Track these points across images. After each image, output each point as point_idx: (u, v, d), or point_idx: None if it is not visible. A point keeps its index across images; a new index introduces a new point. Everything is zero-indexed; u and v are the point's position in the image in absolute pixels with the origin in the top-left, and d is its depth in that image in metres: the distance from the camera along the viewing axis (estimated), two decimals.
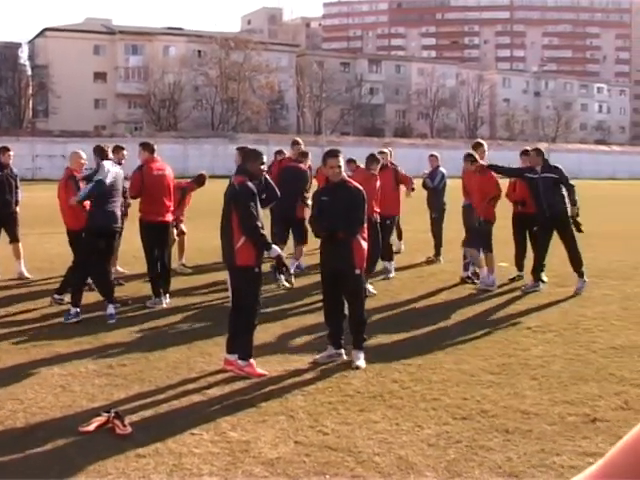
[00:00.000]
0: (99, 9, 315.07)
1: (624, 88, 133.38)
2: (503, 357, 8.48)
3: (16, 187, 13.68)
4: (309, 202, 11.14)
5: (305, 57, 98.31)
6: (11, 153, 13.71)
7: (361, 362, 8.08)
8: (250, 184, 7.81)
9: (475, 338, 9.39)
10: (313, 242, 11.36)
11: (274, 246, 8.00)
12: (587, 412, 6.57)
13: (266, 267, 10.22)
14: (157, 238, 11.29)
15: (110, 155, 11.23)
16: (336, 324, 8.33)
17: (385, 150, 14.42)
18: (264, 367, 7.90)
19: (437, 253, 15.78)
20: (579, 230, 12.41)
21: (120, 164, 12.89)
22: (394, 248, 14.72)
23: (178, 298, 11.65)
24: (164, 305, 11.25)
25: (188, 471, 5.35)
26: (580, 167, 78.69)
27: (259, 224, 7.72)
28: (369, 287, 12.17)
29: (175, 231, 13.58)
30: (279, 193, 8.65)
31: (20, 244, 13.65)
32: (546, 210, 12.26)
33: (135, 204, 12.07)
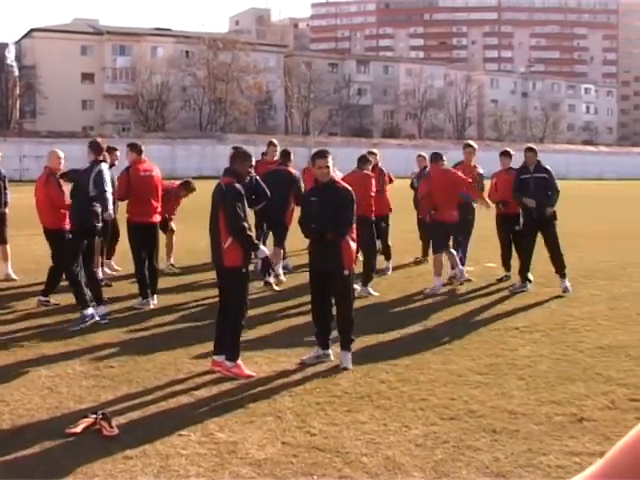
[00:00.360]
0: (86, 9, 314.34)
1: (611, 89, 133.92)
2: (491, 357, 8.50)
3: (4, 188, 13.62)
4: None
5: (293, 58, 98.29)
6: None
7: (349, 363, 8.08)
8: (238, 185, 7.81)
9: (463, 338, 9.41)
10: (301, 242, 11.36)
11: (262, 247, 8.00)
12: (574, 412, 6.59)
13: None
14: (145, 239, 11.25)
15: (104, 151, 11.02)
16: (324, 324, 8.33)
17: (375, 151, 14.46)
18: (252, 368, 7.89)
19: (425, 254, 15.80)
20: None
21: (113, 165, 12.92)
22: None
23: (166, 299, 11.63)
24: (151, 306, 11.23)
25: (175, 472, 5.34)
26: (568, 168, 78.89)
27: (246, 225, 7.72)
28: (370, 290, 12.22)
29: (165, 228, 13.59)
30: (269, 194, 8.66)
31: (8, 246, 13.60)
32: (534, 211, 12.30)
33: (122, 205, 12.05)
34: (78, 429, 6.08)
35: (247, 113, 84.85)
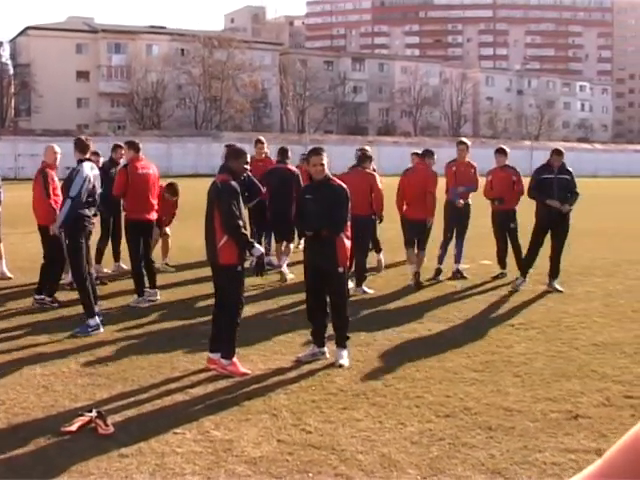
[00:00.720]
0: (81, 7, 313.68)
1: (606, 86, 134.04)
2: (486, 354, 8.50)
3: None
4: None
5: (288, 55, 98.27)
6: None
7: (344, 360, 8.08)
8: (233, 183, 7.80)
9: (458, 336, 9.41)
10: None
11: (256, 245, 7.99)
12: (569, 409, 6.60)
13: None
14: (142, 236, 11.36)
15: (92, 149, 10.90)
16: (319, 322, 8.33)
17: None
18: (247, 366, 7.89)
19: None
20: None
21: (118, 164, 12.96)
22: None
23: (161, 296, 11.61)
24: (158, 297, 11.44)
25: (171, 470, 5.34)
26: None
27: (241, 223, 7.71)
28: (365, 288, 12.22)
29: (158, 231, 13.57)
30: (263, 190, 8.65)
31: (2, 244, 13.58)
32: (553, 211, 12.23)
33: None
34: (73, 427, 6.07)
35: (242, 111, 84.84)
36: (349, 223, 8.34)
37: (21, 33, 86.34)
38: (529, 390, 7.18)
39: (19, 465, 5.46)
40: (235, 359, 7.78)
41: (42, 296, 11.15)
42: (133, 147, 11.64)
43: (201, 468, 5.37)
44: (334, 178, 8.49)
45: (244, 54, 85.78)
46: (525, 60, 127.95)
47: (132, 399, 6.95)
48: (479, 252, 15.94)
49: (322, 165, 8.21)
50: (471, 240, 14.54)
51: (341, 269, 8.17)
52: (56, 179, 11.44)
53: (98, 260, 13.67)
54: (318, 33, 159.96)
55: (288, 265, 13.80)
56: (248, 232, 8.06)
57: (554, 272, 12.43)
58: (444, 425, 6.22)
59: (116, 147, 13.65)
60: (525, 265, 12.69)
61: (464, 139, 14.90)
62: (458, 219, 13.62)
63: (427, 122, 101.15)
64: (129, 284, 11.96)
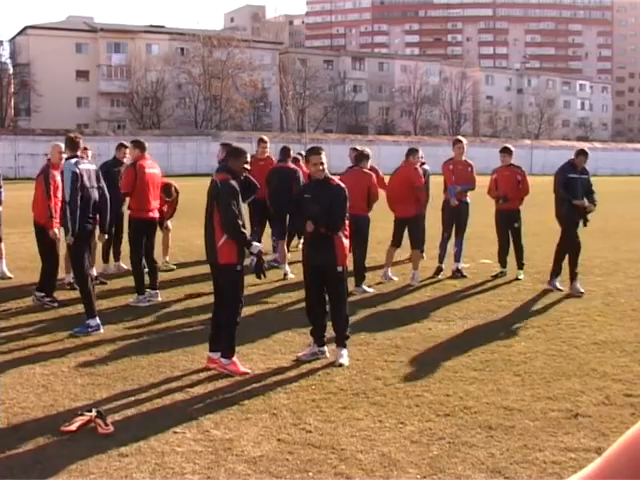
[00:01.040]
0: (81, 7, 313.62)
1: (606, 85, 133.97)
2: (486, 353, 8.50)
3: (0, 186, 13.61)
4: None
5: (288, 55, 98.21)
6: None
7: (344, 359, 8.08)
8: (233, 182, 7.79)
9: (458, 335, 9.42)
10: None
11: (254, 243, 7.98)
12: (569, 407, 6.60)
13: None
14: (145, 235, 11.47)
15: (82, 147, 10.80)
16: (319, 321, 8.34)
17: (358, 147, 14.52)
18: (247, 365, 7.89)
19: (420, 250, 15.77)
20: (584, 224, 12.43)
21: (121, 163, 12.98)
22: None
23: (161, 296, 11.61)
24: (159, 299, 11.44)
25: (171, 470, 5.33)
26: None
27: (240, 222, 7.70)
28: (365, 287, 12.22)
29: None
30: (258, 186, 8.63)
31: (2, 244, 13.58)
32: (575, 213, 12.19)
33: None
34: (73, 427, 6.07)
35: (242, 110, 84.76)
36: (347, 222, 8.35)
37: (20, 32, 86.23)
38: (529, 389, 7.18)
39: (19, 464, 5.46)
40: (235, 358, 7.78)
41: (42, 293, 11.18)
42: (139, 146, 11.71)
43: (201, 467, 5.37)
44: (333, 177, 8.49)
45: (244, 53, 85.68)
46: (525, 59, 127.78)
47: (132, 398, 6.95)
48: (479, 251, 15.94)
49: (322, 164, 8.21)
50: (470, 239, 14.56)
51: (340, 268, 8.18)
52: (58, 179, 11.41)
53: (105, 259, 13.70)
54: (318, 32, 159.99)
55: (289, 264, 13.80)
56: (247, 231, 8.04)
57: (575, 273, 12.32)
58: (444, 424, 6.22)
59: (120, 146, 13.66)
60: (572, 268, 12.35)
61: (460, 137, 14.89)
62: (457, 218, 13.62)
63: (427, 121, 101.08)
64: (129, 283, 11.96)
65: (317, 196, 8.17)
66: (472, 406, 6.66)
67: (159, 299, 11.45)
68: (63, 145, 11.62)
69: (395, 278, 13.15)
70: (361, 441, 5.85)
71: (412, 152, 13.33)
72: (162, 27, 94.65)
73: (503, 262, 13.66)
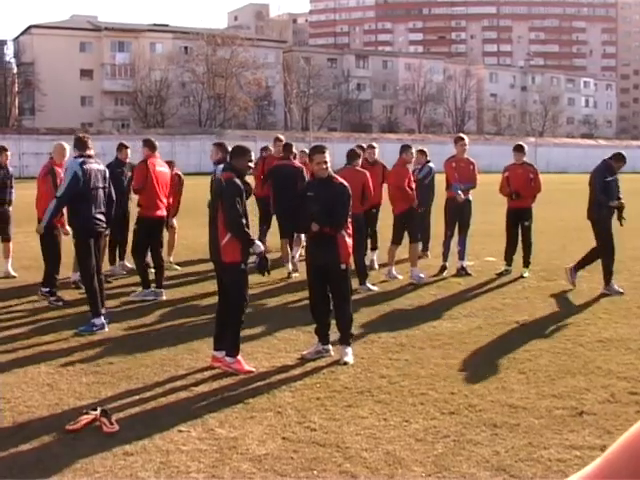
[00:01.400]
0: (85, 6, 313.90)
1: (610, 82, 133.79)
2: (491, 351, 8.50)
3: (11, 187, 13.65)
4: None
5: (292, 53, 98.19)
6: (8, 153, 13.70)
7: (349, 358, 8.08)
8: (237, 181, 7.80)
9: (462, 333, 9.41)
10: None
11: (257, 242, 7.98)
12: (574, 405, 6.59)
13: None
14: (153, 232, 11.62)
15: (90, 147, 10.84)
16: (323, 319, 8.34)
17: (375, 145, 14.50)
18: (252, 363, 7.89)
19: (425, 248, 15.78)
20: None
21: (124, 163, 13.01)
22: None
23: (166, 294, 11.62)
24: (163, 297, 11.45)
25: (176, 468, 5.34)
26: (567, 161, 78.88)
27: (243, 221, 7.71)
28: (369, 285, 12.20)
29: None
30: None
31: (11, 243, 13.62)
32: (611, 213, 12.16)
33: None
34: (78, 426, 6.08)
35: (246, 109, 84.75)
36: (350, 220, 8.36)
37: (24, 32, 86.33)
38: (534, 387, 7.17)
39: (24, 463, 5.46)
40: (239, 357, 7.78)
41: (48, 289, 11.24)
42: (149, 145, 11.92)
43: (206, 466, 5.37)
44: (336, 176, 8.49)
45: (248, 52, 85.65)
46: (529, 56, 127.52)
47: (137, 397, 6.96)
48: (483, 249, 15.93)
49: (326, 163, 8.22)
50: (475, 237, 14.55)
51: (343, 266, 8.19)
52: (62, 176, 11.49)
53: (112, 261, 13.71)
54: (321, 30, 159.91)
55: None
56: (251, 230, 8.04)
57: (610, 274, 12.17)
58: (449, 422, 6.21)
59: (121, 147, 13.64)
60: (608, 272, 12.19)
61: (462, 135, 14.87)
62: (459, 216, 13.60)
63: (431, 119, 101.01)
64: (133, 282, 11.99)
65: (320, 194, 8.17)
66: (477, 404, 6.66)
67: (164, 298, 11.46)
68: (66, 144, 11.71)
69: (399, 276, 13.14)
70: (366, 439, 5.85)
71: (405, 149, 13.23)
72: (166, 26, 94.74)
73: (509, 260, 13.65)
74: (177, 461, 5.45)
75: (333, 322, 8.38)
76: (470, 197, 13.69)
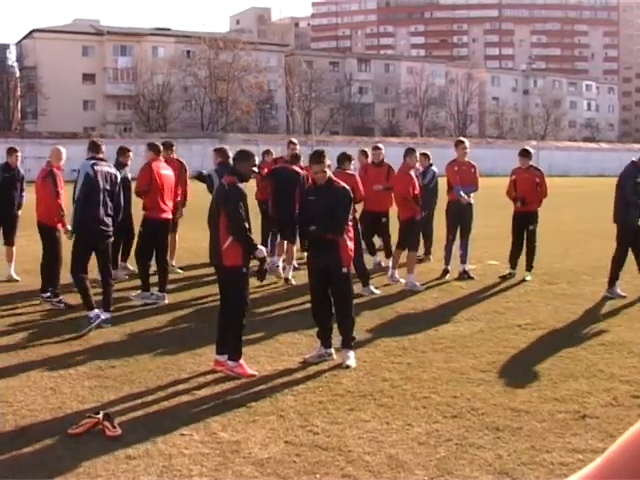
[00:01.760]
0: (87, 10, 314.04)
1: (612, 86, 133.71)
2: (493, 355, 8.49)
3: (21, 189, 13.56)
4: None
5: (294, 57, 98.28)
6: (19, 154, 13.70)
7: (351, 361, 8.08)
8: (240, 185, 7.81)
9: (465, 336, 9.41)
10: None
11: (260, 247, 7.99)
12: (577, 409, 6.59)
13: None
14: (158, 235, 11.64)
15: (103, 150, 10.91)
16: (325, 323, 8.34)
17: (380, 146, 14.48)
18: (254, 367, 7.89)
19: (427, 252, 15.78)
20: None
21: (126, 165, 13.03)
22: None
23: (168, 298, 11.62)
24: (165, 301, 11.47)
25: (178, 472, 5.34)
26: (569, 164, 78.84)
27: (247, 226, 7.72)
28: (372, 288, 12.19)
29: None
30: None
31: (14, 248, 13.61)
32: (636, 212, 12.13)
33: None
34: (81, 429, 6.08)
35: (248, 113, 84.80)
36: (351, 224, 8.38)
37: (27, 36, 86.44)
38: (536, 390, 7.17)
39: (27, 467, 5.47)
40: (242, 361, 7.79)
41: (48, 294, 11.29)
42: (154, 149, 11.94)
43: (208, 470, 5.38)
44: (337, 179, 8.50)
45: (250, 55, 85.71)
46: (531, 60, 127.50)
47: (139, 401, 6.96)
48: (485, 252, 15.92)
49: (324, 172, 8.25)
50: (477, 240, 14.55)
51: (345, 269, 8.19)
52: (62, 179, 11.70)
53: (114, 265, 13.71)
54: (323, 34, 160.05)
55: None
56: (253, 235, 8.05)
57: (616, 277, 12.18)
58: (451, 426, 6.21)
59: (123, 150, 13.61)
60: (615, 276, 12.12)
61: (463, 138, 14.87)
62: (461, 219, 13.60)
63: (433, 122, 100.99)
64: (136, 285, 11.99)
65: (322, 198, 8.19)
66: (479, 407, 6.66)
67: (166, 301, 11.47)
68: (62, 149, 11.84)
69: (402, 280, 13.13)
70: (368, 443, 5.85)
71: (409, 152, 13.09)
72: (168, 30, 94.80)
73: (513, 264, 13.64)
74: (179, 465, 5.45)
75: (335, 326, 8.39)
76: (472, 200, 13.69)
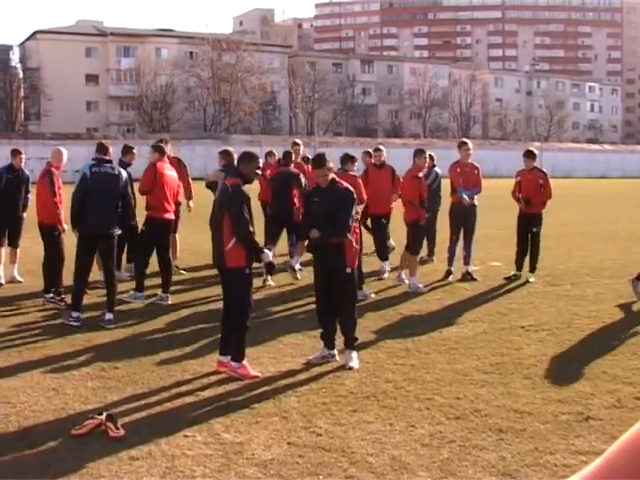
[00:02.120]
0: (90, 11, 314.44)
1: (616, 87, 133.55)
2: (496, 356, 8.49)
3: (27, 192, 13.52)
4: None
5: (297, 58, 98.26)
6: (23, 156, 13.66)
7: (354, 362, 8.08)
8: (244, 187, 7.81)
9: (468, 338, 9.40)
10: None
11: (266, 250, 7.99)
12: (580, 410, 6.58)
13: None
14: (160, 235, 11.70)
15: (110, 151, 10.93)
16: (329, 324, 8.33)
17: (381, 147, 14.45)
18: (257, 368, 7.89)
19: (430, 253, 15.76)
20: None
21: (130, 165, 13.03)
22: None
23: (171, 299, 11.62)
24: (169, 301, 11.50)
25: (181, 473, 5.34)
26: (572, 166, 78.72)
27: (251, 228, 7.72)
28: (365, 292, 12.10)
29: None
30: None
31: (18, 250, 13.60)
32: None
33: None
34: (84, 430, 6.08)
35: (251, 114, 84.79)
36: (355, 225, 8.37)
37: (30, 37, 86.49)
38: (540, 392, 7.16)
39: (30, 468, 5.47)
40: (245, 362, 7.79)
41: (51, 295, 11.31)
42: (158, 150, 12.00)
43: (211, 471, 5.38)
44: (340, 181, 8.49)
45: (253, 57, 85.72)
46: (534, 61, 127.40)
47: (142, 402, 6.96)
48: (488, 254, 15.91)
49: (326, 176, 8.25)
50: (480, 241, 14.54)
51: (349, 270, 8.19)
52: (60, 179, 11.91)
53: (118, 266, 13.72)
54: (327, 35, 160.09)
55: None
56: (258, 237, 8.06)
57: None
58: (454, 427, 6.21)
59: (126, 149, 13.56)
60: None
61: (466, 140, 14.85)
62: (464, 221, 13.59)
63: (436, 124, 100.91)
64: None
65: (325, 199, 8.18)
66: (483, 409, 6.65)
67: (169, 302, 11.47)
68: (63, 149, 11.96)
69: (407, 281, 13.11)
70: (371, 444, 5.85)
71: (418, 153, 13.05)
72: (171, 31, 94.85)
73: (519, 265, 13.62)
74: (183, 466, 5.45)
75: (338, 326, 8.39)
76: (475, 202, 13.68)
